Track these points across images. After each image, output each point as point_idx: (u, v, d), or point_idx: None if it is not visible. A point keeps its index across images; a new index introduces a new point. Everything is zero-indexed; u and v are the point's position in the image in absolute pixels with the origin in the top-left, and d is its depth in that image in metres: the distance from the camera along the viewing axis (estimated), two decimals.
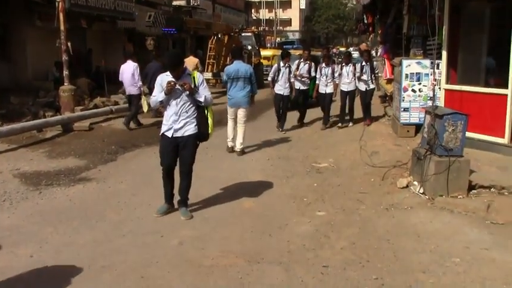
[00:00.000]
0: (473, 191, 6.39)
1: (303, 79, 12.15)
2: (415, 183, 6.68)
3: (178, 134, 5.79)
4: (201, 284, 4.25)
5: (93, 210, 6.20)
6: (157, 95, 5.82)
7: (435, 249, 4.83)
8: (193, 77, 5.82)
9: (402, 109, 9.79)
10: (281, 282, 4.26)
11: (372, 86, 12.02)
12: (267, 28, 54.13)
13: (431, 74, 9.35)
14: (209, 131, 5.93)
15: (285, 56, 11.77)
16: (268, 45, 40.90)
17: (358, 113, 12.32)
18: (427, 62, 9.57)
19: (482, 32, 8.58)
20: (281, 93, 11.60)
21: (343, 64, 12.24)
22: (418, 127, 9.27)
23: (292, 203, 6.48)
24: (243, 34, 26.90)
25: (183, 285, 4.24)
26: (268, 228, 5.58)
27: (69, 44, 13.41)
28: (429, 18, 7.73)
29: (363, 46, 19.68)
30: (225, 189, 7.10)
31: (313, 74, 12.25)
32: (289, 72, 11.56)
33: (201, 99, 5.78)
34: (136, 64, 12.11)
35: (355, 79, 11.93)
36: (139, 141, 10.72)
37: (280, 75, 11.51)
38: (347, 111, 12.15)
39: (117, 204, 6.46)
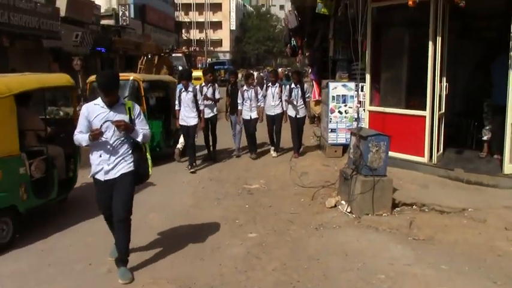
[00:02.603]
0: (396, 208, 6.69)
1: (207, 102, 10.35)
2: (343, 202, 6.90)
3: (110, 175, 4.82)
4: None
5: (18, 238, 5.90)
6: (81, 136, 4.76)
7: (362, 267, 4.99)
8: (129, 108, 4.85)
9: (330, 130, 10.10)
10: None
11: (303, 113, 10.78)
12: (197, 49, 54.29)
13: (355, 96, 9.73)
14: (149, 172, 5.08)
15: (184, 78, 9.91)
16: (199, 65, 41.02)
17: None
18: (352, 85, 9.95)
19: (402, 56, 9.05)
20: (185, 123, 9.79)
21: (269, 84, 11.15)
22: (346, 147, 9.59)
23: (224, 225, 6.49)
24: (173, 55, 26.85)
25: None
26: (200, 251, 5.55)
27: None
28: (353, 43, 8.09)
29: (280, 72, 19.87)
30: (156, 213, 7.01)
31: (217, 96, 10.67)
32: (194, 97, 9.67)
33: (139, 138, 4.84)
34: None
35: (281, 102, 10.78)
36: None
37: (182, 100, 9.73)
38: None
39: (43, 230, 6.20)
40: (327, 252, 5.44)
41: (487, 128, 8.46)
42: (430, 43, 7.86)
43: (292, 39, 16.46)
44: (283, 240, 5.88)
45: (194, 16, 66.15)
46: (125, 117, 4.74)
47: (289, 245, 5.71)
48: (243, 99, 10.70)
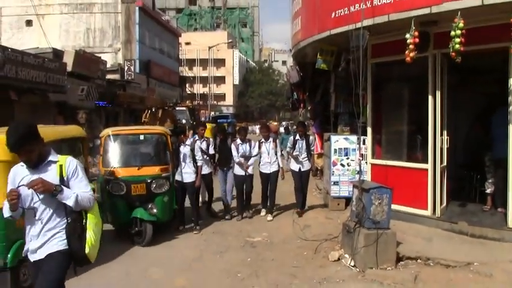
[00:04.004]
0: (401, 262, 6.59)
1: (205, 157, 9.76)
2: (346, 256, 6.81)
3: (38, 255, 3.73)
4: None
5: None
6: (5, 206, 3.71)
7: None
8: (60, 166, 3.76)
9: (332, 183, 10.09)
10: None
11: (307, 167, 10.10)
12: (201, 102, 55.07)
13: (357, 149, 9.78)
14: (86, 250, 3.73)
15: (179, 133, 9.71)
16: (203, 119, 41.50)
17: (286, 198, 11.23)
18: (354, 138, 10.01)
19: (402, 110, 9.19)
20: (180, 179, 9.09)
21: (262, 140, 10.12)
22: (348, 200, 9.54)
23: (226, 279, 6.40)
24: (177, 108, 27.21)
25: None
26: None
27: None
28: (354, 97, 8.23)
29: (273, 126, 19.73)
30: (157, 267, 6.92)
31: (211, 151, 10.04)
32: (191, 151, 9.18)
33: (70, 202, 3.66)
34: None
35: (277, 158, 9.99)
36: None
37: (180, 155, 9.13)
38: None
39: None
40: None
41: (490, 181, 8.46)
42: (430, 97, 7.99)
43: (294, 93, 16.71)
44: None
45: (198, 71, 67.48)
46: (52, 178, 3.68)
47: None
48: (238, 153, 9.88)
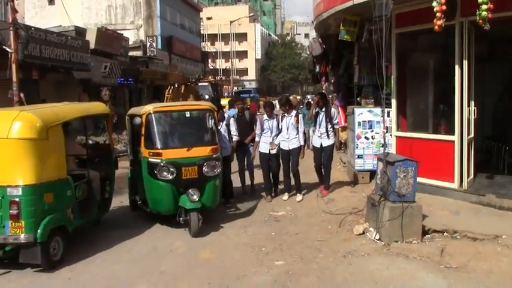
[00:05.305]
0: (427, 235, 6.52)
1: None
2: (371, 229, 6.77)
3: None
4: None
5: None
6: None
7: None
8: None
9: (356, 156, 9.99)
10: None
11: (329, 142, 9.19)
12: (223, 78, 54.94)
13: (382, 122, 9.61)
14: None
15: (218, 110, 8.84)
16: (226, 94, 41.48)
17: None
18: (378, 110, 9.85)
19: (428, 81, 8.99)
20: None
21: (284, 114, 9.20)
22: (373, 173, 9.44)
23: (250, 253, 6.43)
24: (199, 84, 27.14)
25: None
26: (226, 279, 5.50)
27: (22, 95, 13.22)
28: (378, 69, 8.07)
29: (293, 99, 19.06)
30: (181, 240, 7.00)
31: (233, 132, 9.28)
32: (227, 126, 9.10)
33: None
34: None
35: (298, 133, 9.02)
36: None
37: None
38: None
39: (72, 255, 6.23)
40: (355, 281, 5.33)
41: None
42: (456, 67, 7.77)
43: (316, 66, 16.49)
44: (311, 268, 5.78)
45: (220, 46, 67.21)
46: None
47: (317, 273, 5.61)
48: (262, 129, 9.24)
